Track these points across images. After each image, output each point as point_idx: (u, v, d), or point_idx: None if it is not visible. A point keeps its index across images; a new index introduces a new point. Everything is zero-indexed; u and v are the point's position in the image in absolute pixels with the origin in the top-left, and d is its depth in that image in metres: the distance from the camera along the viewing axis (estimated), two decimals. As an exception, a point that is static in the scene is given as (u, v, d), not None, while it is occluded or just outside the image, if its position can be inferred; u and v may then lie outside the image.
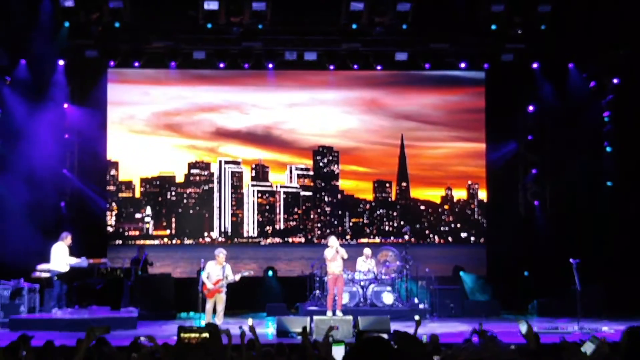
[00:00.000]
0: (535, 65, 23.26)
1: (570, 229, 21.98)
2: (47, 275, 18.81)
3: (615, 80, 22.80)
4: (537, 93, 23.48)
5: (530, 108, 23.78)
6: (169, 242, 24.31)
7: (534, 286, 22.31)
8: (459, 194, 25.61)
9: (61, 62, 21.86)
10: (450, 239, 25.52)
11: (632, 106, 22.21)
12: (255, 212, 25.13)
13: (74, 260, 18.89)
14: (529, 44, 22.20)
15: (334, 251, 18.87)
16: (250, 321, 11.10)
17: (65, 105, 22.24)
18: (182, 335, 6.33)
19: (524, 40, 22.02)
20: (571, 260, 18.07)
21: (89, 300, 19.29)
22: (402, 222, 25.28)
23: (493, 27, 20.94)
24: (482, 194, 25.12)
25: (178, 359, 6.80)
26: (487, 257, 24.26)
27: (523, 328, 8.00)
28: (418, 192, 25.70)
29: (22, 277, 19.18)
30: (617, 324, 16.75)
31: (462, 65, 23.25)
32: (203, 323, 17.72)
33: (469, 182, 25.45)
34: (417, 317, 10.74)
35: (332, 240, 19.17)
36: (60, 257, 18.63)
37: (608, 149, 23.27)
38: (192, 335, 6.39)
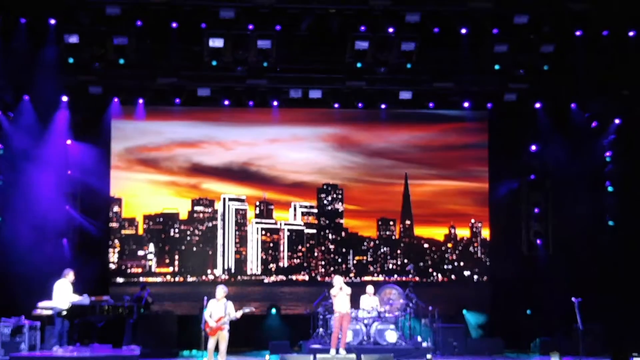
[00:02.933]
0: (538, 105, 23.23)
1: (572, 268, 21.84)
2: (48, 312, 18.52)
3: (617, 121, 22.81)
4: (539, 132, 23.43)
5: (533, 147, 23.77)
6: (172, 280, 24.01)
7: (537, 324, 22.16)
8: (462, 232, 25.51)
9: (65, 98, 21.62)
10: (453, 277, 25.39)
11: (633, 146, 22.12)
12: (259, 249, 24.88)
13: (76, 298, 18.65)
14: (532, 84, 22.26)
15: (337, 289, 18.67)
16: (267, 357, 10.93)
17: (69, 142, 22.04)
18: None
19: (527, 80, 22.06)
20: (573, 299, 17.93)
21: (90, 338, 19.11)
22: (405, 260, 25.16)
23: (496, 67, 20.90)
24: (485, 233, 24.96)
25: None
26: (490, 295, 24.10)
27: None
28: (422, 231, 25.57)
29: (23, 314, 18.89)
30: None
31: (466, 104, 23.31)
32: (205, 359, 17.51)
33: (472, 221, 25.39)
34: (429, 356, 10.43)
35: (337, 280, 19.01)
36: (63, 294, 18.36)
37: (610, 188, 23.26)
38: None
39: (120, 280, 23.69)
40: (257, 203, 24.92)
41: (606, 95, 22.11)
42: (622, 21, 19.92)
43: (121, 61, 20.02)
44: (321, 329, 20.79)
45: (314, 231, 25.05)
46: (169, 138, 24.04)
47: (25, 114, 21.11)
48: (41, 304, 18.57)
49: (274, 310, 22.92)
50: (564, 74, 21.49)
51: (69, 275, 18.58)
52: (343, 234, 25.10)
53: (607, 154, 23.18)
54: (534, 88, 22.43)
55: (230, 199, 24.67)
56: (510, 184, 23.88)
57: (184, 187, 24.46)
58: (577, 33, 20.20)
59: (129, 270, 24.11)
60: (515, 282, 22.70)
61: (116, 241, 23.93)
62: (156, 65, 21.33)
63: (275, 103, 22.86)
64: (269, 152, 24.50)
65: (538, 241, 23.77)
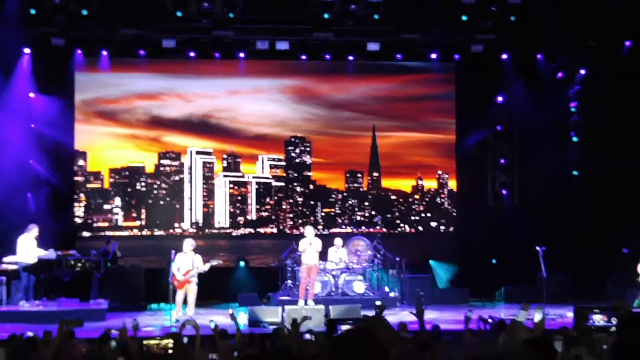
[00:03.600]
0: (504, 56, 23.17)
1: (537, 218, 21.89)
2: (14, 267, 18.36)
3: (582, 71, 22.90)
4: (506, 83, 23.40)
5: (500, 98, 23.76)
6: (139, 234, 23.82)
7: (502, 273, 22.33)
8: (429, 184, 25.49)
9: (27, 50, 21.22)
10: (420, 228, 25.44)
11: (598, 97, 22.18)
12: (227, 202, 24.69)
13: (42, 252, 18.52)
14: (499, 35, 22.14)
15: (307, 243, 18.62)
16: (230, 311, 10.93)
17: (32, 94, 21.59)
18: (144, 342, 5.90)
19: (494, 32, 21.94)
20: (537, 248, 18.31)
21: (57, 292, 18.98)
22: (373, 212, 25.16)
23: (464, 18, 20.87)
24: (452, 184, 25.01)
25: None
26: (457, 246, 24.23)
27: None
28: (389, 182, 25.54)
29: (-12, 269, 18.59)
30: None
31: (433, 55, 23.18)
32: (173, 314, 17.51)
33: (439, 172, 25.40)
34: (378, 303, 10.40)
35: (309, 231, 19.09)
36: (27, 249, 18.20)
37: (575, 138, 23.44)
38: (153, 342, 5.93)
39: (86, 234, 23.46)
40: (225, 156, 24.72)
41: (572, 46, 22.18)
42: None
43: (84, 12, 19.81)
44: (289, 281, 20.84)
45: (282, 184, 24.91)
46: (133, 90, 23.74)
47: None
48: (6, 259, 18.41)
49: (242, 263, 22.86)
50: (531, 25, 21.50)
51: (33, 230, 18.40)
52: (311, 186, 25.00)
53: (573, 104, 23.38)
54: (501, 39, 22.31)
55: (197, 152, 24.41)
56: (477, 136, 23.79)
57: (147, 140, 24.21)
58: (544, -17, 20.19)
59: (95, 225, 23.88)
60: (481, 232, 22.82)
61: (82, 195, 23.66)
62: (120, 16, 20.92)
63: (241, 55, 22.58)
64: (231, 104, 24.21)
65: (504, 192, 23.87)
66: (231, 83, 24.06)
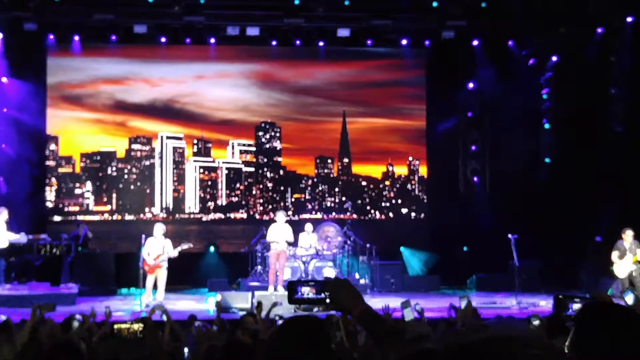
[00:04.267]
0: (475, 43, 23.21)
1: (508, 205, 22.00)
2: (-20, 251, 18.20)
3: (554, 58, 22.96)
4: (477, 71, 23.44)
5: (471, 85, 23.83)
6: (110, 218, 23.79)
7: (473, 261, 22.38)
8: (400, 170, 25.53)
9: (-1, 35, 21.13)
10: (391, 214, 25.45)
11: (570, 84, 22.26)
12: (197, 187, 24.67)
13: (13, 236, 18.42)
14: (470, 21, 22.14)
15: (277, 228, 18.62)
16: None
17: (4, 79, 21.52)
18: (115, 326, 5.96)
19: (465, 18, 21.95)
20: (509, 235, 18.15)
21: (28, 276, 18.88)
22: (343, 198, 25.16)
23: (434, 4, 20.94)
24: (423, 170, 25.09)
25: (112, 351, 6.42)
26: (428, 232, 24.25)
27: (463, 303, 7.93)
28: (360, 169, 25.56)
29: (-43, 253, 18.53)
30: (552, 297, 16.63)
31: (404, 42, 23.18)
32: (143, 299, 17.52)
33: (410, 159, 25.42)
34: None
35: (280, 216, 19.10)
36: (-4, 232, 18.02)
37: (546, 125, 23.56)
38: (124, 326, 5.97)
39: (57, 218, 23.40)
40: (195, 141, 24.68)
41: (543, 33, 22.20)
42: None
43: (56, -4, 19.76)
44: (259, 267, 20.93)
45: (252, 169, 24.91)
46: (103, 75, 23.63)
47: (-44, 51, 20.76)
48: (-25, 243, 18.40)
49: (212, 249, 22.87)
50: (502, 11, 21.48)
51: (3, 214, 18.31)
52: (281, 172, 25.00)
53: (544, 91, 23.43)
54: (472, 25, 22.31)
55: (167, 137, 24.38)
56: (448, 122, 23.88)
57: (114, 125, 24.15)
58: (515, -30, 20.30)
59: (66, 209, 23.81)
60: (452, 219, 22.71)
61: (53, 179, 23.59)
62: (92, 2, 20.91)
63: (212, 40, 22.54)
64: (198, 89, 24.20)
65: (475, 179, 23.99)
66: (198, 68, 24.04)
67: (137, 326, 7.93)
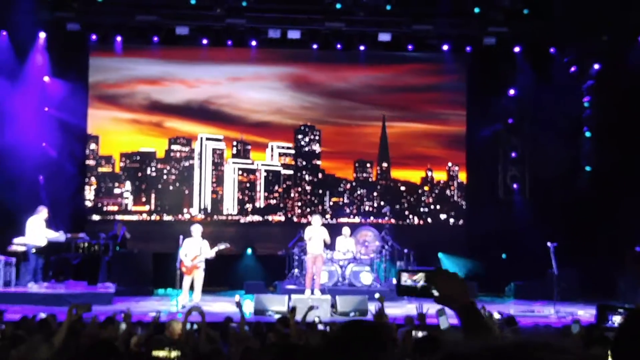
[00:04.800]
0: (517, 49, 23.17)
1: (548, 213, 21.85)
2: (23, 249, 18.45)
3: (596, 66, 22.91)
4: (518, 77, 23.44)
5: (512, 92, 23.77)
6: (148, 218, 23.95)
7: (511, 269, 22.22)
8: (439, 175, 25.47)
9: (42, 36, 21.44)
10: (429, 220, 25.38)
11: (612, 92, 22.05)
12: (236, 189, 24.77)
13: (52, 234, 18.64)
14: (512, 27, 22.18)
15: (313, 231, 18.57)
16: (237, 297, 11.00)
17: (46, 79, 21.83)
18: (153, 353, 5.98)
19: (507, 24, 21.96)
20: (549, 243, 18.08)
21: (65, 275, 19.09)
22: (382, 203, 25.14)
23: (476, 10, 20.91)
24: (462, 176, 25.03)
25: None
26: (466, 239, 24.16)
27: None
28: (399, 173, 25.52)
29: (-1, 250, 18.75)
30: (592, 307, 16.54)
31: (445, 47, 23.19)
32: (180, 299, 17.63)
33: (449, 164, 25.34)
34: (377, 295, 10.46)
35: (316, 220, 19.04)
36: (36, 231, 18.31)
37: (587, 134, 23.48)
38: (162, 354, 5.99)
39: (96, 217, 23.61)
40: (234, 143, 24.78)
41: (585, 40, 22.11)
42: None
43: (99, -3, 20.00)
44: (296, 270, 20.94)
45: (291, 172, 24.96)
46: (141, 75, 23.80)
47: (2, 50, 20.99)
48: (16, 240, 18.54)
49: (249, 251, 22.95)
50: (544, 18, 21.48)
51: (43, 212, 18.53)
52: (320, 175, 25.03)
53: (586, 99, 23.33)
54: (514, 32, 22.32)
55: (207, 139, 24.50)
56: (488, 128, 23.80)
57: (152, 125, 24.34)
58: (559, -24, 20.24)
59: (105, 208, 24.00)
60: (491, 226, 22.56)
61: (92, 179, 23.80)
62: (135, 3, 21.12)
63: (253, 43, 22.71)
64: (233, 90, 24.29)
65: (515, 185, 23.93)
66: (234, 70, 24.16)
67: (175, 354, 7.96)
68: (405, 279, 3.60)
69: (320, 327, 10.96)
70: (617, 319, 12.63)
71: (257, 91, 24.42)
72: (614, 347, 3.28)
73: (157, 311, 10.55)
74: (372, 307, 15.08)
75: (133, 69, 23.76)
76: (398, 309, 15.33)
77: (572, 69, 23.12)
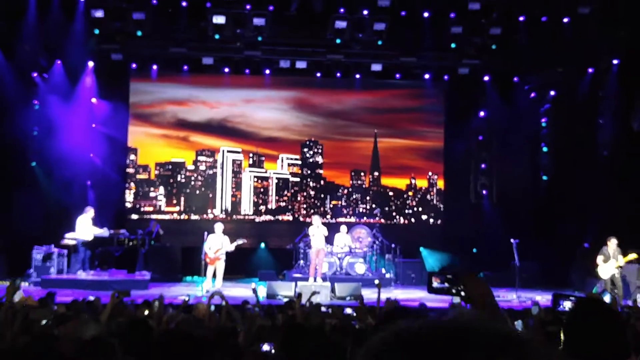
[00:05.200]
0: (486, 78, 23.31)
1: (511, 215, 21.93)
2: (73, 242, 18.47)
3: (552, 92, 23.07)
4: (487, 101, 23.60)
5: (482, 113, 23.94)
6: (178, 217, 23.91)
7: (481, 261, 22.16)
8: (421, 183, 25.38)
9: (90, 64, 21.50)
10: (413, 220, 25.31)
11: (565, 114, 22.29)
12: (252, 193, 24.71)
13: (98, 231, 18.70)
14: (482, 60, 22.25)
15: (315, 229, 18.59)
16: (253, 285, 11.00)
17: (94, 100, 21.93)
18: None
19: (478, 57, 22.03)
20: (512, 240, 18.12)
21: (108, 264, 19.10)
22: (373, 205, 25.09)
23: (453, 45, 20.93)
24: (440, 184, 25.02)
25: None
26: (443, 236, 24.13)
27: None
28: (387, 181, 25.46)
29: (53, 243, 18.89)
30: (548, 294, 16.54)
31: (427, 76, 23.30)
32: (204, 285, 17.70)
33: (430, 174, 25.28)
34: (376, 282, 10.42)
35: (316, 219, 19.00)
36: (84, 228, 18.38)
37: (544, 148, 23.68)
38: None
39: (134, 217, 23.55)
40: (251, 155, 24.75)
41: (543, 71, 22.28)
42: (558, 9, 19.96)
43: (139, 33, 20.06)
44: (301, 261, 20.99)
45: (298, 179, 24.91)
46: (170, 98, 23.81)
47: (57, 75, 21.09)
48: (68, 235, 18.57)
49: (262, 245, 22.99)
50: (509, 52, 21.57)
51: (90, 212, 18.56)
52: (322, 182, 24.99)
53: (543, 120, 23.56)
54: (484, 64, 22.42)
55: (228, 151, 24.47)
56: (462, 144, 23.88)
57: (179, 140, 24.35)
58: (521, 18, 20.29)
59: (142, 209, 23.94)
60: (464, 225, 22.76)
61: (132, 184, 23.75)
62: (168, 38, 21.15)
63: (267, 71, 22.81)
64: (247, 111, 24.27)
65: (484, 192, 24.01)
66: (247, 94, 24.19)
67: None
68: (435, 281, 3.59)
69: (323, 309, 10.90)
70: (567, 304, 12.67)
71: (268, 111, 24.43)
72: (566, 326, 3.30)
73: (187, 295, 10.54)
74: (365, 292, 15.09)
75: (164, 92, 23.78)
76: (387, 294, 15.27)
77: (532, 94, 23.30)
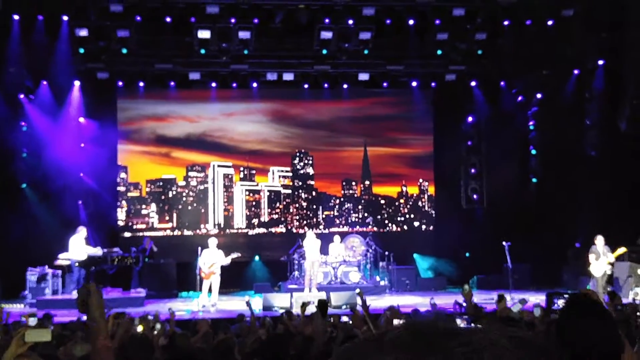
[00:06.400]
0: (473, 83, 23.37)
1: (502, 217, 22.00)
2: (67, 262, 18.43)
3: (538, 95, 23.13)
4: (475, 106, 23.68)
5: (470, 119, 23.99)
6: (171, 233, 23.88)
7: (474, 264, 22.42)
8: (412, 190, 25.45)
9: (77, 83, 21.47)
10: (405, 227, 25.36)
11: (552, 116, 22.31)
12: (244, 207, 24.71)
13: (91, 250, 18.63)
14: (468, 66, 22.37)
15: (310, 242, 18.99)
16: (247, 298, 11.02)
17: (81, 119, 21.84)
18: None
19: (464, 63, 22.13)
20: (504, 243, 18.30)
21: (103, 283, 18.96)
22: (366, 214, 25.13)
23: (439, 52, 21.02)
24: (431, 190, 25.08)
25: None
26: (436, 242, 24.16)
27: (466, 289, 8.25)
28: (379, 189, 25.51)
29: (47, 264, 18.82)
30: (541, 294, 16.64)
31: (414, 84, 23.36)
32: (200, 300, 17.67)
33: (420, 180, 25.34)
34: (357, 291, 10.49)
35: (310, 234, 19.45)
36: (77, 247, 18.30)
37: (533, 151, 23.76)
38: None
39: (127, 234, 23.49)
40: (241, 168, 24.75)
41: (529, 75, 22.35)
42: (542, 13, 20.09)
43: (124, 51, 20.05)
44: (296, 272, 21.01)
45: (289, 191, 24.93)
46: (149, 114, 23.74)
47: (43, 96, 21.03)
48: (61, 256, 18.51)
49: (257, 258, 22.96)
50: (495, 57, 21.72)
51: (82, 231, 18.49)
52: (313, 193, 25.02)
53: (531, 123, 23.63)
54: (470, 69, 22.55)
55: (219, 165, 24.48)
56: (451, 149, 24.01)
57: (161, 156, 24.30)
58: (505, 23, 20.40)
59: (134, 226, 23.89)
60: (456, 230, 22.70)
61: (123, 202, 23.70)
62: (154, 54, 21.18)
63: (254, 84, 22.84)
64: (226, 124, 24.28)
65: (474, 196, 24.09)
66: (229, 107, 24.20)
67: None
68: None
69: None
70: (561, 303, 12.78)
71: (257, 125, 24.43)
72: (558, 322, 3.36)
73: (170, 309, 10.55)
74: (359, 300, 15.13)
75: (152, 109, 23.71)
76: (382, 301, 15.34)
77: (519, 98, 23.37)
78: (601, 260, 16.86)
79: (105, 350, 3.39)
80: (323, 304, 9.83)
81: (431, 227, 25.19)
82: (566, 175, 21.29)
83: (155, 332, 8.69)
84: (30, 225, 19.93)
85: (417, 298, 18.63)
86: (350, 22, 20.02)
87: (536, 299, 16.86)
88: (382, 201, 25.60)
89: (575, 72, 21.63)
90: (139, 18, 19.52)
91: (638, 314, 8.21)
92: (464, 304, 12.21)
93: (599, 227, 17.54)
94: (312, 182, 25.25)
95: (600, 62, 20.75)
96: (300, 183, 25.14)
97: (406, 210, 25.51)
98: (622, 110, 19.98)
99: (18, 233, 19.17)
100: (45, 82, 20.95)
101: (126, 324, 7.25)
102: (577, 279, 19.12)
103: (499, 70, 22.55)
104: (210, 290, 17.88)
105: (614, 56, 20.08)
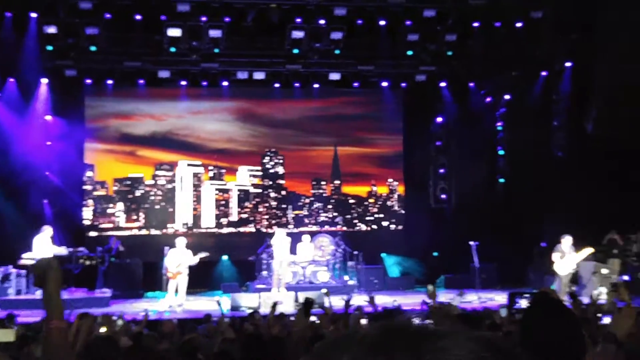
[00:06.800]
0: (443, 84, 23.43)
1: (470, 217, 22.11)
2: (31, 262, 18.07)
3: (506, 96, 23.29)
4: (444, 107, 23.82)
5: (439, 119, 24.19)
6: (138, 233, 23.69)
7: (442, 264, 22.57)
8: (381, 189, 25.48)
9: (44, 81, 21.22)
10: (374, 226, 25.39)
11: (520, 117, 22.53)
12: (213, 206, 24.58)
13: (57, 249, 18.40)
14: (438, 66, 22.44)
15: (279, 240, 19.03)
16: (217, 298, 11.03)
17: (48, 117, 21.61)
18: None
19: (434, 64, 22.20)
20: (471, 242, 18.50)
21: (68, 283, 18.72)
22: (335, 214, 25.12)
23: (409, 52, 21.11)
24: (401, 189, 25.14)
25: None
26: (405, 241, 24.21)
27: (430, 289, 8.33)
28: (348, 189, 25.51)
29: (11, 263, 18.57)
30: (507, 292, 16.77)
31: (384, 84, 23.45)
32: (166, 300, 17.62)
33: (390, 180, 25.38)
34: (324, 290, 10.51)
35: (280, 232, 19.59)
36: (42, 247, 18.00)
37: (501, 152, 23.96)
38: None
39: (93, 234, 23.22)
40: (211, 168, 24.62)
41: (498, 76, 22.55)
42: (511, 14, 20.23)
43: (93, 48, 19.85)
44: (264, 272, 20.96)
45: (259, 190, 24.85)
46: (114, 112, 23.52)
47: (10, 93, 20.78)
48: (25, 255, 18.25)
49: (225, 257, 22.86)
50: (464, 58, 21.85)
51: (47, 231, 18.23)
52: (283, 192, 24.95)
53: (499, 123, 23.82)
54: (440, 70, 22.63)
55: (188, 165, 24.32)
56: (421, 149, 24.21)
57: (126, 155, 24.03)
58: (475, 24, 20.49)
59: (101, 226, 23.65)
60: (424, 229, 22.85)
61: (90, 201, 23.45)
62: (123, 52, 20.99)
63: (225, 83, 22.77)
64: (194, 122, 24.15)
65: (443, 196, 24.31)
66: (196, 105, 24.06)
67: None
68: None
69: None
70: (523, 302, 13.03)
71: (225, 123, 24.33)
72: (522, 321, 3.36)
73: (145, 310, 10.47)
74: (327, 300, 15.11)
75: (120, 107, 23.52)
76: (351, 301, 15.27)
77: (488, 99, 23.59)
78: (566, 259, 17.02)
79: (58, 332, 3.09)
80: (309, 303, 9.73)
81: (400, 227, 25.26)
82: (533, 176, 21.45)
83: (117, 329, 8.60)
84: (-6, 225, 19.71)
85: (387, 297, 18.60)
86: (322, 22, 20.02)
87: (503, 298, 17.05)
88: (352, 201, 25.61)
89: (543, 73, 21.82)
90: (108, 15, 19.35)
91: (598, 315, 8.27)
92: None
93: (566, 227, 17.70)
94: (282, 182, 25.20)
95: (568, 64, 20.95)
96: (270, 182, 25.07)
97: (375, 210, 25.55)
98: (589, 112, 20.19)
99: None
100: (12, 79, 20.69)
101: (89, 324, 7.14)
102: (542, 278, 19.29)
103: (468, 71, 22.70)
104: (177, 290, 17.81)
105: (581, 58, 20.26)
